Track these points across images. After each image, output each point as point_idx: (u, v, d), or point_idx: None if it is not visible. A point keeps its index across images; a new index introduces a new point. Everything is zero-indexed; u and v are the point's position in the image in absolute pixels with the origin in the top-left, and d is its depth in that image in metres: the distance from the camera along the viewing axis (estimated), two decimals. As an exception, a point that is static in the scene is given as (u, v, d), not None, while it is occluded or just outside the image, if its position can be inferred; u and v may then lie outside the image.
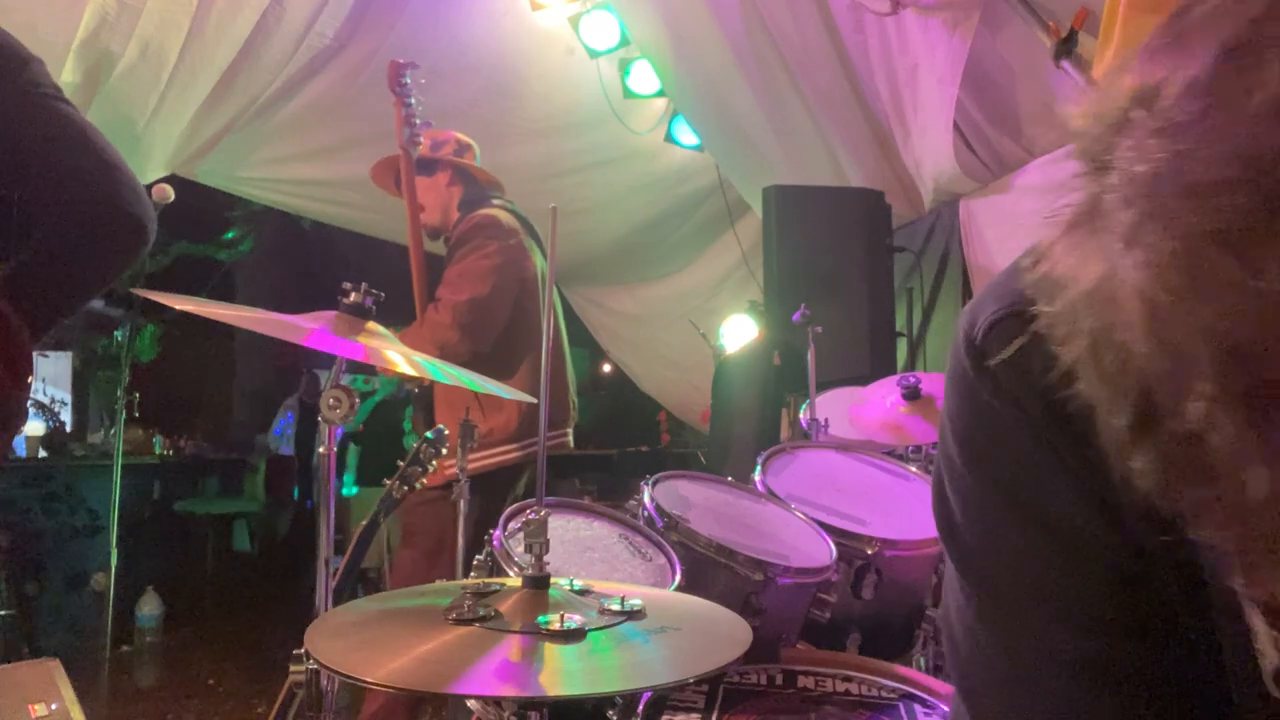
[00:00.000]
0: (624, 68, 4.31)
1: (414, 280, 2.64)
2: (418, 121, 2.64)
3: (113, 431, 4.29)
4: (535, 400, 1.35)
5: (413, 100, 2.64)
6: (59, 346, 8.50)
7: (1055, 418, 0.47)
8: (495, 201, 2.78)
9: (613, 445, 6.63)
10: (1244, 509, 0.34)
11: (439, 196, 2.77)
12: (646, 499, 1.65)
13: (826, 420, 2.56)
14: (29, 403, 1.54)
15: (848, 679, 1.42)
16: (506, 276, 2.64)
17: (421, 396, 2.75)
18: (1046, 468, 0.50)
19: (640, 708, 1.31)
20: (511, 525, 1.51)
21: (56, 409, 6.64)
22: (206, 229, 8.70)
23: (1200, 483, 0.36)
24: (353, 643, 1.02)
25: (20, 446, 5.70)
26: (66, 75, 3.15)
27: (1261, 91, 0.32)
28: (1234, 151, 0.32)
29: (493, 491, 2.53)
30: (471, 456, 2.09)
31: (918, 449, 2.49)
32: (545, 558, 1.12)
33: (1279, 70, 0.32)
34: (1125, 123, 0.37)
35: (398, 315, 2.61)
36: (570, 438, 2.89)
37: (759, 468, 1.99)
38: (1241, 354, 0.32)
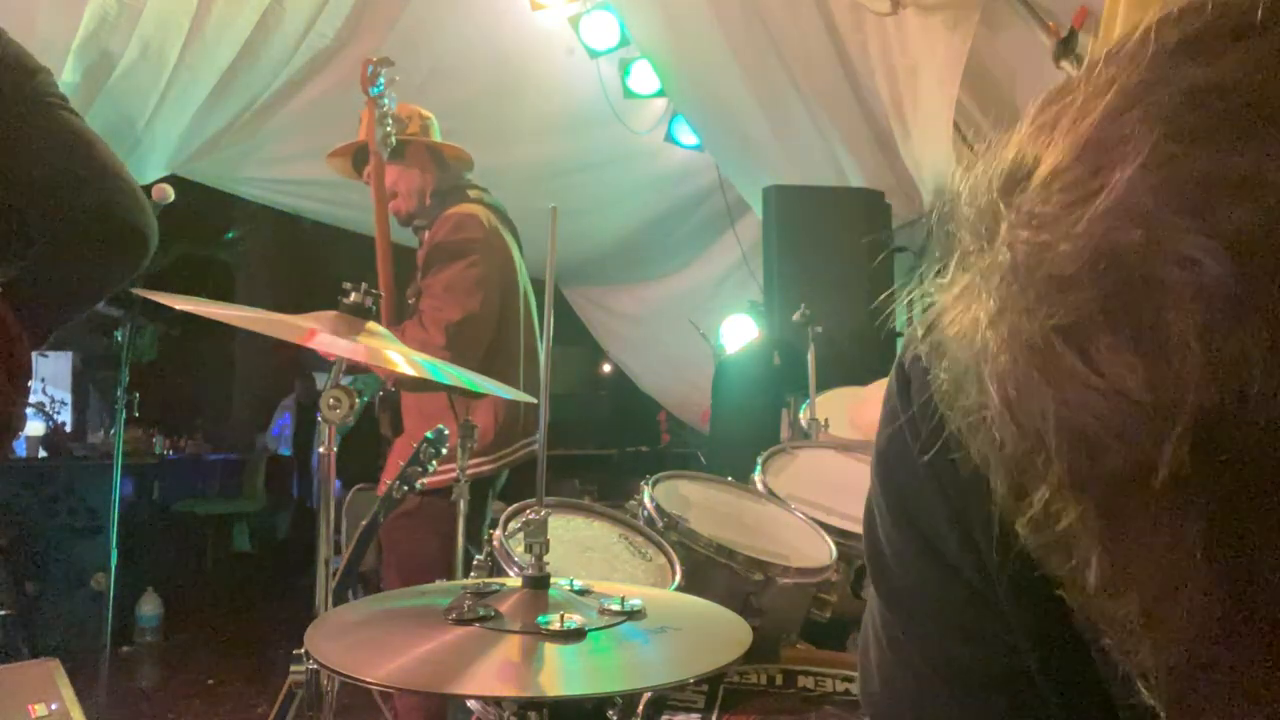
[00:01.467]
0: (624, 68, 4.30)
1: (380, 279, 2.54)
2: (391, 121, 2.60)
3: (113, 431, 4.29)
4: (534, 401, 1.35)
5: (387, 101, 2.59)
6: (59, 346, 8.50)
7: (945, 469, 0.50)
8: (471, 193, 2.71)
9: (613, 445, 6.60)
10: (1088, 592, 0.36)
11: (412, 183, 2.68)
12: (646, 499, 1.65)
13: (826, 420, 2.56)
14: (27, 405, 1.54)
15: (848, 679, 1.42)
16: (492, 286, 2.58)
17: (388, 401, 2.65)
18: (930, 495, 0.53)
19: (640, 708, 1.31)
20: (511, 525, 1.51)
21: (56, 409, 6.63)
22: (206, 229, 8.70)
23: (1058, 559, 0.37)
24: (353, 643, 1.02)
25: (20, 447, 5.69)
26: (66, 75, 3.14)
27: (1110, 193, 0.33)
28: (1082, 249, 0.33)
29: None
30: (444, 468, 2.04)
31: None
32: (545, 558, 1.12)
33: (1127, 173, 0.33)
34: (996, 205, 0.38)
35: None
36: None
37: (759, 468, 1.99)
38: (1084, 445, 0.33)
